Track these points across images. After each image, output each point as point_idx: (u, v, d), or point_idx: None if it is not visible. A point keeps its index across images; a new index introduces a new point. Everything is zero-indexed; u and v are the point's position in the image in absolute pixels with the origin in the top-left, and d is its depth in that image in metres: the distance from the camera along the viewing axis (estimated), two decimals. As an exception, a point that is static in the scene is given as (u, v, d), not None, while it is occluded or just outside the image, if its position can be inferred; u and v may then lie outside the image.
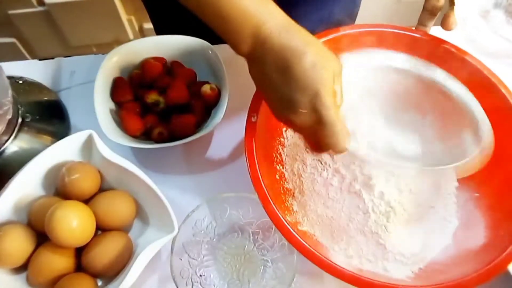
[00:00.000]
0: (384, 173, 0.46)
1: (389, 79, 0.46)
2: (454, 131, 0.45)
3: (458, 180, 0.48)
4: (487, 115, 0.44)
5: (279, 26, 0.34)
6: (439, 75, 0.45)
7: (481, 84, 0.45)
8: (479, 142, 0.42)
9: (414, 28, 0.48)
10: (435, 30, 0.48)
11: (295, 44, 0.34)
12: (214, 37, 0.57)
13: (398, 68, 0.45)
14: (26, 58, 1.37)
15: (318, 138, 0.37)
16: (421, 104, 0.47)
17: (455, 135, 0.45)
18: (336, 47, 0.44)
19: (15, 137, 0.51)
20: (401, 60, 0.46)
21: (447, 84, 0.45)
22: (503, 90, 0.45)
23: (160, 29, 0.73)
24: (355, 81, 0.45)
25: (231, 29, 0.35)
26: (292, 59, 0.33)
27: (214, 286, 0.44)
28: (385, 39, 0.47)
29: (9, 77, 0.50)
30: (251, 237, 0.47)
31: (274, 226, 0.44)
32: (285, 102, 0.36)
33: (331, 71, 0.35)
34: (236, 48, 0.36)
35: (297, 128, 0.39)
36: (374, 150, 0.44)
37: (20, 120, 0.52)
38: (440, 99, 0.46)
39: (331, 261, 0.37)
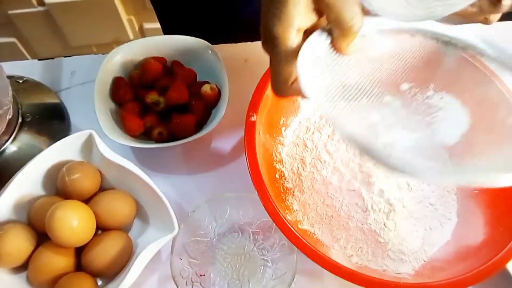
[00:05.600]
0: (383, 170, 0.46)
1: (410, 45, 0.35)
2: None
3: None
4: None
5: None
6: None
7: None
8: None
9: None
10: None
11: None
12: (216, 37, 0.58)
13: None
14: (26, 58, 1.37)
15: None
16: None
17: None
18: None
19: (15, 137, 0.51)
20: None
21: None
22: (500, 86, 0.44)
23: (167, 29, 0.74)
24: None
25: None
26: None
27: (214, 286, 0.44)
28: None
29: (9, 77, 0.50)
30: (251, 237, 0.47)
31: (274, 226, 0.44)
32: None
33: None
34: None
35: None
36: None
37: (20, 120, 0.52)
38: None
39: (331, 259, 0.37)
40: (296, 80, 0.31)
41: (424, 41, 0.34)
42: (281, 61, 0.30)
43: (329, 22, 0.30)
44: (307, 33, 0.30)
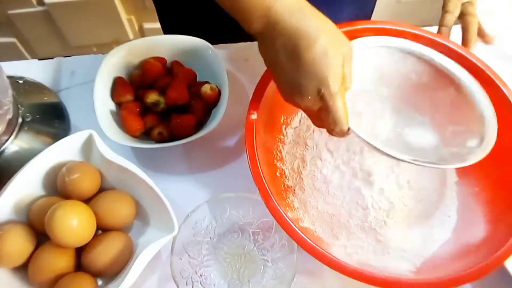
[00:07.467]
0: (384, 169, 0.46)
1: (404, 64, 0.45)
2: (461, 128, 0.44)
3: (458, 175, 0.48)
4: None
5: (291, 6, 0.33)
6: (453, 66, 0.45)
7: (480, 79, 0.45)
8: (483, 140, 0.41)
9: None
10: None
11: (306, 29, 0.33)
12: (216, 37, 0.58)
13: (413, 51, 0.45)
14: (26, 58, 1.37)
15: (322, 122, 0.38)
16: (431, 95, 0.46)
17: (461, 132, 0.44)
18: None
19: (15, 137, 0.51)
20: (418, 47, 0.45)
21: (461, 76, 0.44)
22: (500, 85, 0.45)
23: (167, 29, 0.74)
24: (370, 60, 0.44)
25: (243, 7, 0.34)
26: (302, 45, 0.33)
27: (214, 286, 0.44)
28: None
29: (9, 77, 0.50)
30: (251, 237, 0.47)
31: (274, 226, 0.44)
32: (292, 86, 0.36)
33: (341, 57, 0.35)
34: (247, 27, 0.36)
35: (303, 110, 0.40)
36: (376, 137, 0.43)
37: (20, 120, 0.52)
38: (451, 92, 0.45)
39: (333, 256, 0.37)
40: None
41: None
42: (340, 114, 0.37)
43: None
44: None
